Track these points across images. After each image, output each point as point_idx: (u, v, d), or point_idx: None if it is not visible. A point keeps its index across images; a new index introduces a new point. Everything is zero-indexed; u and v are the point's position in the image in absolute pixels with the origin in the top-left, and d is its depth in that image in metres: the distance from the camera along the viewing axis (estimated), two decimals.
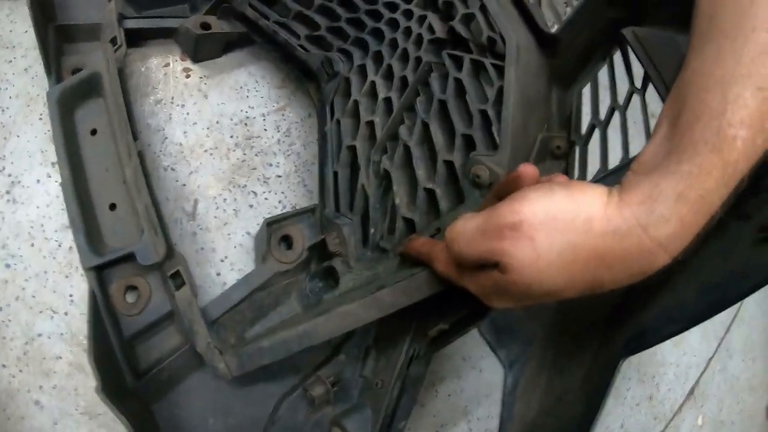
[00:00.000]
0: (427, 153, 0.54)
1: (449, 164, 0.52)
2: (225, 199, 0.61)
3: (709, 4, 0.35)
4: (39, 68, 0.63)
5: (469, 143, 0.53)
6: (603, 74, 0.58)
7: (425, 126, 0.54)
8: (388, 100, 0.56)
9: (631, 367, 0.86)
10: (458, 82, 0.54)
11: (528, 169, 0.38)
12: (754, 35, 0.31)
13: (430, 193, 0.53)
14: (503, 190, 0.40)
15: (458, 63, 0.55)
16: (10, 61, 0.68)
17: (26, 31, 0.69)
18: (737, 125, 0.30)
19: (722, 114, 0.31)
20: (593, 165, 0.55)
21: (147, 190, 0.53)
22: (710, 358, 0.99)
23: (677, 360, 0.94)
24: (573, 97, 0.59)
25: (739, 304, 1.09)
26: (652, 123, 0.50)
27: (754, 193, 0.43)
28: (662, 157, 0.33)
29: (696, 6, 0.36)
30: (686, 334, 0.96)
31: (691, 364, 0.96)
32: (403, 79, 0.56)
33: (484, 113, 0.52)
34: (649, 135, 0.49)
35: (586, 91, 0.58)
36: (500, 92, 0.52)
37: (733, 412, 1.00)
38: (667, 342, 0.92)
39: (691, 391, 0.95)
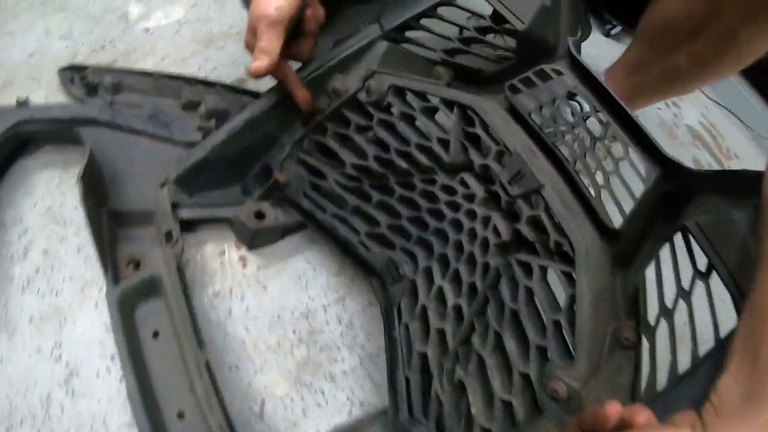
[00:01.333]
0: (501, 362, 0.54)
1: (525, 376, 0.52)
2: (292, 399, 0.60)
3: None
4: (91, 249, 0.62)
5: (544, 352, 0.53)
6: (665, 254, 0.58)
7: (498, 336, 0.54)
8: (457, 308, 0.56)
9: None
10: (528, 290, 0.54)
11: (612, 410, 0.39)
12: None
13: (507, 405, 0.52)
14: (587, 424, 0.40)
15: (527, 270, 0.55)
16: (62, 239, 0.66)
17: (76, 207, 0.69)
18: None
19: None
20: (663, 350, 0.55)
21: (219, 405, 0.53)
22: None
23: None
24: (636, 278, 0.59)
25: None
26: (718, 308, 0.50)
27: None
28: (740, 395, 0.34)
29: (762, 218, 0.37)
30: None
31: None
32: (472, 286, 0.56)
33: (557, 323, 0.52)
34: (716, 326, 0.50)
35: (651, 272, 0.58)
36: (572, 300, 0.52)
37: None
38: None
39: None
